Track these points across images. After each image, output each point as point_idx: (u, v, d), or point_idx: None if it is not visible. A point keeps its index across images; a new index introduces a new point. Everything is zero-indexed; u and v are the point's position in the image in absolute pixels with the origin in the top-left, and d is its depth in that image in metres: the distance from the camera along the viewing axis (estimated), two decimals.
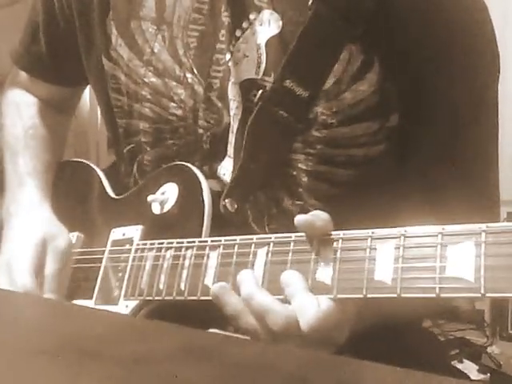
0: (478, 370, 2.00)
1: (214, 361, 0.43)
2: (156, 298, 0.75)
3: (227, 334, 0.68)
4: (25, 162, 0.98)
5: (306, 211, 0.65)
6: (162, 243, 0.77)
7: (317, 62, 0.76)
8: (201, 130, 0.84)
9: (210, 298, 0.67)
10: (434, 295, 0.54)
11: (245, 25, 0.79)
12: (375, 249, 0.59)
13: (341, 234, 0.62)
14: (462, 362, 2.02)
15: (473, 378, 1.89)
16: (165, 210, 0.82)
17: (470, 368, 1.98)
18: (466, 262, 0.53)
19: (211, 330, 0.67)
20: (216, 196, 0.79)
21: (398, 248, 0.58)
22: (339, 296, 0.60)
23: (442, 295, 0.54)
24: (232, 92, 0.80)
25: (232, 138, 0.82)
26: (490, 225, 0.53)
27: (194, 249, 0.73)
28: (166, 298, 0.74)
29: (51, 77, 1.03)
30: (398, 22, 0.74)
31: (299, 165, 0.80)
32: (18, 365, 0.41)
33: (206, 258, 0.71)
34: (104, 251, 0.85)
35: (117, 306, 0.80)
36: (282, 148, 0.79)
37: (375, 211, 0.76)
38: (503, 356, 2.11)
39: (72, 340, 0.47)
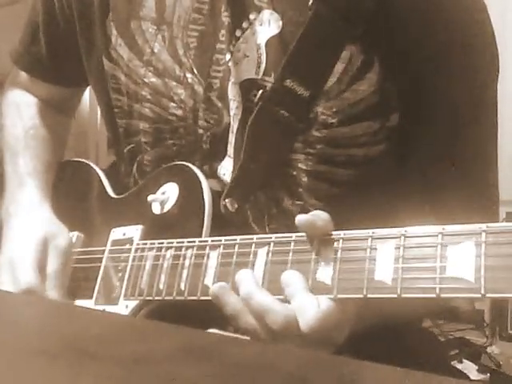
0: (478, 370, 2.00)
1: (214, 361, 0.43)
2: (156, 297, 0.75)
3: (227, 334, 0.68)
4: (25, 163, 0.98)
5: (306, 211, 0.65)
6: (162, 243, 0.77)
7: (317, 62, 0.76)
8: (201, 130, 0.84)
9: (209, 297, 0.67)
10: (434, 295, 0.54)
11: (245, 25, 0.79)
12: (375, 249, 0.59)
13: (341, 234, 0.62)
14: (461, 362, 2.02)
15: (472, 378, 1.89)
16: (165, 210, 0.82)
17: (469, 368, 1.98)
18: (467, 262, 0.53)
19: (211, 330, 0.67)
20: (216, 196, 0.79)
21: (399, 248, 0.58)
22: (339, 296, 0.60)
23: (442, 295, 0.54)
24: (232, 92, 0.80)
25: (232, 138, 0.82)
26: (490, 225, 0.53)
27: (194, 249, 0.73)
28: (166, 297, 0.74)
29: (51, 77, 1.03)
30: (398, 22, 0.74)
31: (299, 165, 0.80)
32: (17, 365, 0.41)
33: (206, 257, 0.71)
34: (104, 251, 0.86)
35: (117, 306, 0.80)
36: (283, 148, 0.79)
37: (375, 211, 0.76)
38: (503, 356, 2.11)
39: (72, 340, 0.47)
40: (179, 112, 0.84)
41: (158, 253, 0.77)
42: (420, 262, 0.56)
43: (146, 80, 0.86)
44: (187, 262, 0.73)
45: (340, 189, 0.81)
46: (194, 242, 0.74)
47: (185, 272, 0.73)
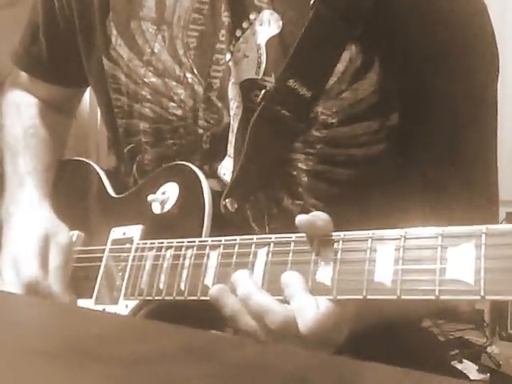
0: (478, 370, 2.00)
1: (214, 361, 0.43)
2: (156, 297, 0.75)
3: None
4: (25, 162, 0.98)
5: (306, 211, 0.65)
6: (162, 243, 0.77)
7: (319, 62, 0.76)
8: (201, 130, 0.84)
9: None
10: (433, 297, 0.54)
11: (245, 25, 0.80)
12: (375, 250, 0.59)
13: (341, 235, 0.62)
14: (461, 362, 2.02)
15: (472, 377, 1.89)
16: (165, 210, 0.82)
17: (469, 368, 1.98)
18: (466, 264, 0.53)
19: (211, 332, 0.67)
20: (216, 196, 0.79)
21: (398, 249, 0.58)
22: (339, 297, 0.60)
23: (442, 297, 0.54)
24: (232, 92, 0.81)
25: (232, 138, 0.82)
26: (490, 227, 0.53)
27: (194, 248, 0.73)
28: (165, 297, 0.74)
29: (51, 77, 1.03)
30: (398, 21, 0.74)
31: (299, 164, 0.80)
32: (17, 365, 0.41)
33: (206, 257, 0.71)
34: (104, 250, 0.86)
35: (117, 306, 0.80)
36: (283, 148, 0.79)
37: (375, 211, 0.76)
38: (503, 356, 2.11)
39: (72, 340, 0.47)
40: (179, 112, 0.84)
41: (158, 253, 0.77)
42: (420, 263, 0.56)
43: (146, 80, 0.86)
44: (187, 262, 0.73)
45: (340, 189, 0.81)
46: (194, 241, 0.74)
47: (185, 272, 0.73)
